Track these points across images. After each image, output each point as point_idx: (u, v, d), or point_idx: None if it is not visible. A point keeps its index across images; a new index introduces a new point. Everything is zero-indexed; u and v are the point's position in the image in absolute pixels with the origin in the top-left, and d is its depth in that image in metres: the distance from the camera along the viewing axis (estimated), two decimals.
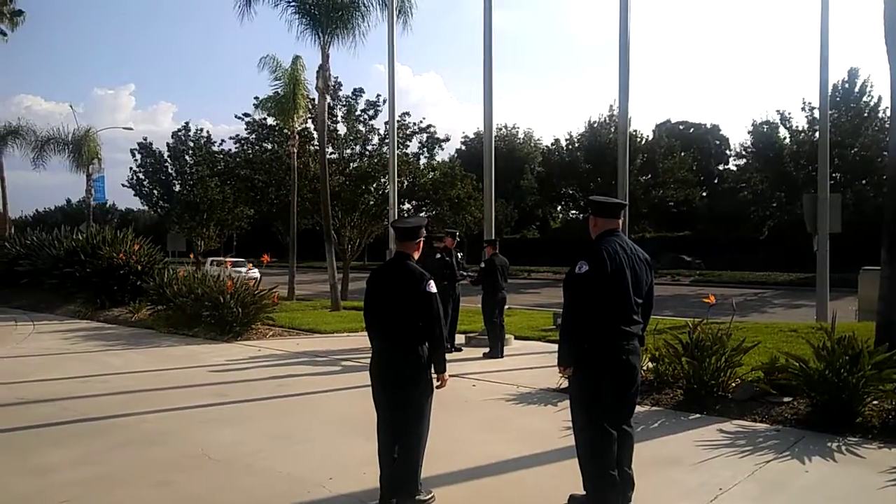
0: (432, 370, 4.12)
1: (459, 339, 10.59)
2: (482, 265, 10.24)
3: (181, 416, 6.39)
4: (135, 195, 35.12)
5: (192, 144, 33.79)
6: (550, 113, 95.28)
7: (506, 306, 10.25)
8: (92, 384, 7.86)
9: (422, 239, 4.28)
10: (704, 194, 51.06)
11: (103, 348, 10.68)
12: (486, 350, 9.63)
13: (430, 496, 4.15)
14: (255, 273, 17.56)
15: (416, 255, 4.25)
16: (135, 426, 6.05)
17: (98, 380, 8.11)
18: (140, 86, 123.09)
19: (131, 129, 38.95)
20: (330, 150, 22.39)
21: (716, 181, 52.65)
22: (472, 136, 56.32)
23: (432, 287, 4.05)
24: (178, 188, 33.95)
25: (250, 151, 26.38)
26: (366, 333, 4.39)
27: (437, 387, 4.17)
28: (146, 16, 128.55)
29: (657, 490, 4.33)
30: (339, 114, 24.06)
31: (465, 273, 10.41)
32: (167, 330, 12.26)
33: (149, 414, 6.41)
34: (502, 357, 9.45)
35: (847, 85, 33.55)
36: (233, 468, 4.87)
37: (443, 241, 10.20)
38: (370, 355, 4.26)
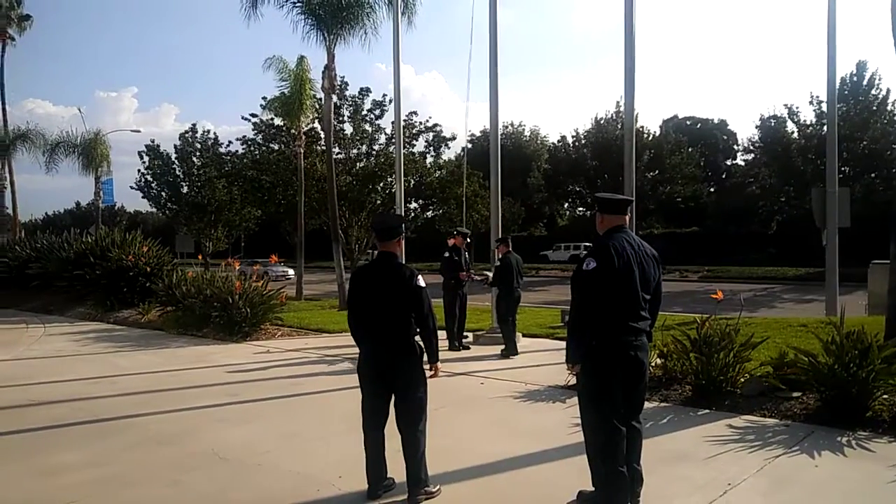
0: (424, 362, 4.26)
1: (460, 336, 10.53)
2: (497, 264, 10.17)
3: (191, 416, 6.43)
4: (143, 197, 35.29)
5: (199, 146, 33.91)
6: (556, 110, 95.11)
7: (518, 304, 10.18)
8: (102, 385, 7.92)
9: (402, 236, 4.38)
10: (712, 190, 50.86)
11: (113, 350, 10.75)
12: (503, 348, 9.49)
13: (436, 489, 4.22)
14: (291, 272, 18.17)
15: (399, 252, 4.35)
16: (145, 426, 6.09)
17: (108, 381, 8.17)
18: (142, 88, 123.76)
19: (139, 131, 39.61)
20: (337, 149, 22.43)
21: (724, 176, 52.42)
22: (478, 134, 56.19)
23: (421, 281, 4.18)
24: (185, 190, 34.09)
25: (257, 152, 26.43)
26: None
27: (430, 376, 4.27)
28: (149, 18, 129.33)
29: (666, 486, 4.32)
30: (346, 113, 24.06)
31: (472, 273, 10.36)
32: (176, 331, 12.34)
33: (159, 414, 6.45)
34: (517, 354, 9.41)
35: (855, 78, 33.33)
36: (243, 467, 4.90)
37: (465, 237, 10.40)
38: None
